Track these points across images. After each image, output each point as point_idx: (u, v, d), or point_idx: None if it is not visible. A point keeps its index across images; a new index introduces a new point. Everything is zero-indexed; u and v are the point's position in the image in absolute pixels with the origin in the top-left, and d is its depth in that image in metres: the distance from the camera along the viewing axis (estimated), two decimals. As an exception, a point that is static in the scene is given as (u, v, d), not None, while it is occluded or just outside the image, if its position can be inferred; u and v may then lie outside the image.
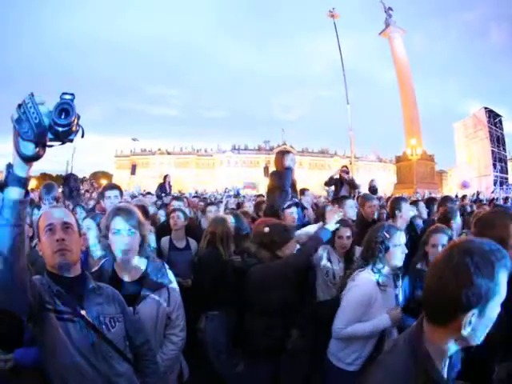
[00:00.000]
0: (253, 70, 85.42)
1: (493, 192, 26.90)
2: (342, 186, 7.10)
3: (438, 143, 42.02)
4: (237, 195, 16.22)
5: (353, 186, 7.15)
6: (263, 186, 24.47)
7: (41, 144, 1.12)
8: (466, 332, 1.06)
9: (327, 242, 3.36)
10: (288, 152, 5.33)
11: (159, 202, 8.90)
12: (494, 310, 1.08)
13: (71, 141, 1.18)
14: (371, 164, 61.17)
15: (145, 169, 49.69)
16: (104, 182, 28.18)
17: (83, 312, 1.68)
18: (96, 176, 48.01)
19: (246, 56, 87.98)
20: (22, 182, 1.19)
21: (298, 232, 3.55)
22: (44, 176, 36.99)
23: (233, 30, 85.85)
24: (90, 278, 1.84)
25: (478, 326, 1.07)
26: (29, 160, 1.15)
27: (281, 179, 4.75)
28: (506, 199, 10.06)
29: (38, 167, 2.21)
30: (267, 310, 2.87)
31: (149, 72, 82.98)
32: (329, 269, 3.47)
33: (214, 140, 63.30)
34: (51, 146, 1.16)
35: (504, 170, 33.94)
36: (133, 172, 34.67)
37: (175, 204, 5.60)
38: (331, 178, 7.42)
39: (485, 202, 11.80)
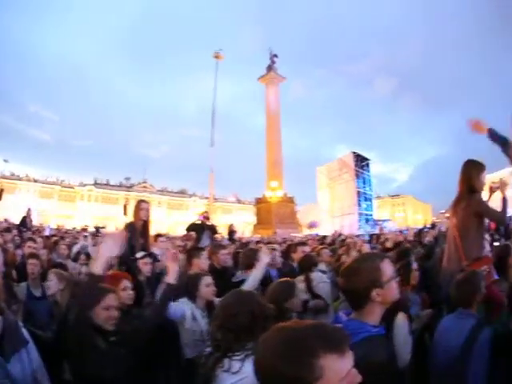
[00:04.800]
0: (129, 103, 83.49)
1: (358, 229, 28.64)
2: (203, 231, 7.30)
3: (304, 185, 44.13)
4: (97, 234, 14.80)
5: (214, 231, 7.54)
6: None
7: None
8: None
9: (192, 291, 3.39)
10: (142, 201, 5.79)
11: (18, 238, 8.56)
12: None
13: None
14: (230, 205, 63.23)
15: (11, 194, 46.48)
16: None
17: None
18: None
19: (125, 87, 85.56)
20: None
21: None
22: None
23: (121, 59, 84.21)
24: None
25: None
26: None
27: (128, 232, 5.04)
28: (377, 236, 9.82)
29: None
30: None
31: (32, 87, 77.54)
32: (196, 328, 3.28)
33: (80, 170, 61.71)
34: None
35: (369, 208, 36.12)
36: (-1, 197, 31.05)
37: (31, 247, 5.55)
38: (193, 224, 7.65)
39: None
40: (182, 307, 3.30)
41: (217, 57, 35.05)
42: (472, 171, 3.60)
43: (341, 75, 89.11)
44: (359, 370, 1.08)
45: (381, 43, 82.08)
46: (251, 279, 3.67)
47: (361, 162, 35.68)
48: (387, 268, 1.85)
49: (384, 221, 37.36)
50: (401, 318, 2.55)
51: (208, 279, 3.47)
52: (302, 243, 6.29)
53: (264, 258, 3.81)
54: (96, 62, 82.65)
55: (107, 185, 59.47)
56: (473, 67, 74.57)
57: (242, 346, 2.06)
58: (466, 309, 2.73)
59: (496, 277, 3.48)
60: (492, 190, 3.83)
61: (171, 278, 2.96)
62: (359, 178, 35.00)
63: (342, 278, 1.91)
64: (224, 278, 4.19)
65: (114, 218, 44.04)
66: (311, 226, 37.44)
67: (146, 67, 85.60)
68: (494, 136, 3.48)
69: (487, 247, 3.94)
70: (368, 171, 36.48)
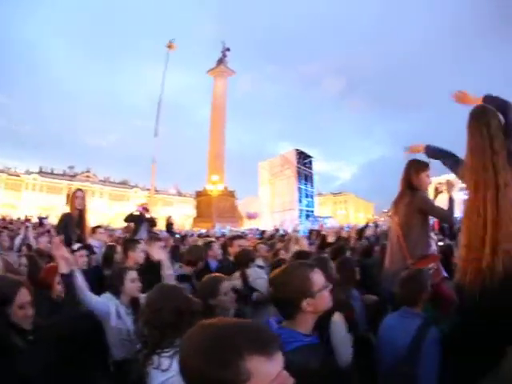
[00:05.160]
0: (80, 90, 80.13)
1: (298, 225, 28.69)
2: (141, 222, 7.14)
3: (246, 180, 44.59)
4: (41, 224, 13.95)
5: (152, 223, 7.41)
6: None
7: None
8: None
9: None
10: (78, 190, 5.85)
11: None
12: None
13: None
14: (171, 198, 62.89)
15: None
16: None
17: None
18: None
19: (76, 73, 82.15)
20: None
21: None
22: None
23: (72, 45, 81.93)
24: None
25: None
26: None
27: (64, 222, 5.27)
28: (317, 231, 9.81)
29: None
30: None
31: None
32: (121, 326, 3.02)
33: (26, 158, 60.45)
34: None
35: (310, 204, 36.80)
36: None
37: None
38: (131, 215, 7.47)
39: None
40: (105, 303, 3.05)
41: (170, 47, 34.69)
42: (411, 169, 3.58)
43: (292, 73, 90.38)
44: (294, 379, 1.04)
45: (335, 44, 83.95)
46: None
47: (303, 159, 36.35)
48: (317, 278, 1.84)
49: (325, 218, 38.07)
50: (337, 318, 2.40)
51: (133, 274, 3.26)
52: (239, 236, 6.15)
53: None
54: (46, 47, 79.43)
55: (52, 173, 57.83)
56: (427, 70, 77.97)
57: (170, 342, 2.04)
58: (412, 307, 2.67)
59: (445, 274, 3.43)
60: (438, 191, 3.86)
61: (62, 267, 2.72)
62: (301, 174, 35.63)
63: (271, 286, 1.89)
64: (159, 272, 3.98)
65: (58, 208, 42.43)
66: (250, 216, 37.85)
67: (99, 54, 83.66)
68: (432, 152, 3.37)
69: (433, 246, 3.88)
70: (310, 168, 37.20)
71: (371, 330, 3.15)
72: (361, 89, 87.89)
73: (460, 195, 2.72)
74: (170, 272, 3.53)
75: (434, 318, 2.74)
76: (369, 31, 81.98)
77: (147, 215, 7.34)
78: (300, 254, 3.97)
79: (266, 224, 30.72)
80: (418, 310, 2.67)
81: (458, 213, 3.75)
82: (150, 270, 3.64)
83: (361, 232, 8.61)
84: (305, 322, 1.80)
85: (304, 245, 6.01)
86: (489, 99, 2.72)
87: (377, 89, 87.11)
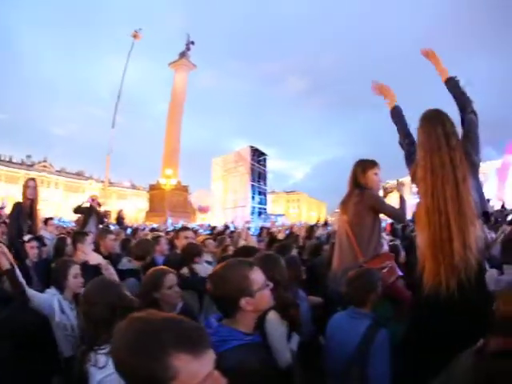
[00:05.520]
0: (42, 78, 76.57)
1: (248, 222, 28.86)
2: (90, 215, 7.10)
3: (200, 175, 44.17)
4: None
5: (101, 215, 7.51)
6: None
7: None
8: None
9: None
10: (30, 179, 5.78)
11: None
12: None
13: None
14: (125, 191, 61.81)
15: None
16: None
17: None
18: None
19: (36, 58, 78.08)
20: None
21: None
22: None
23: (32, 29, 78.53)
24: None
25: None
26: None
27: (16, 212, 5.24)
28: (267, 229, 9.82)
29: None
30: None
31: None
32: (66, 322, 2.95)
33: None
34: None
35: (263, 202, 36.92)
36: None
37: None
38: (79, 207, 7.40)
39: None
40: (48, 298, 2.99)
41: (135, 36, 34.34)
42: (357, 169, 3.58)
43: (255, 71, 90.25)
44: (231, 378, 1.07)
45: (299, 44, 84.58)
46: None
47: (258, 156, 36.27)
48: (257, 276, 1.80)
49: (277, 215, 38.37)
50: (271, 316, 2.34)
51: (76, 269, 3.20)
52: (185, 228, 6.00)
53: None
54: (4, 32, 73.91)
55: (10, 162, 56.21)
56: (388, 72, 79.90)
57: (106, 339, 1.97)
58: (360, 307, 2.63)
59: (400, 273, 3.39)
60: (387, 191, 3.84)
61: (4, 263, 2.79)
62: (254, 172, 35.54)
63: (210, 284, 1.82)
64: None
65: (15, 199, 40.68)
66: (201, 210, 37.62)
67: (61, 40, 79.27)
68: (396, 114, 3.13)
69: (385, 246, 3.90)
70: (265, 166, 37.19)
71: (318, 330, 3.13)
72: (321, 90, 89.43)
73: (411, 199, 2.71)
74: (110, 271, 3.40)
75: (390, 318, 2.75)
76: (333, 34, 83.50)
77: (97, 208, 7.28)
78: (244, 250, 3.89)
79: (218, 220, 30.60)
80: (367, 310, 2.63)
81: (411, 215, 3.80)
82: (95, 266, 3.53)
83: (310, 230, 8.57)
84: (245, 320, 1.77)
85: (252, 241, 5.97)
86: (453, 82, 2.72)
87: (337, 90, 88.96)
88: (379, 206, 3.51)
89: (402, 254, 4.58)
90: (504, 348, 1.42)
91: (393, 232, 7.85)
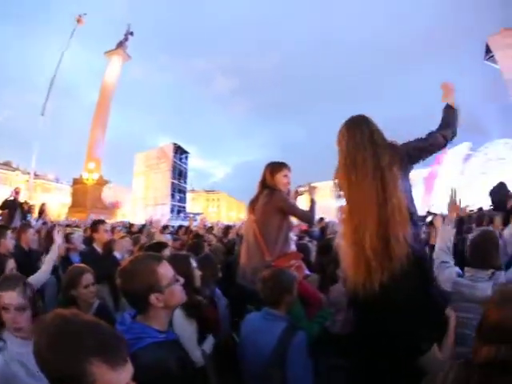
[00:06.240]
0: None
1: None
2: (16, 209, 7.07)
3: (123, 170, 42.64)
4: None
5: (24, 209, 7.45)
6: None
7: None
8: None
9: None
10: None
11: None
12: None
13: None
14: (50, 184, 58.23)
15: None
16: None
17: None
18: None
19: None
20: None
21: None
22: None
23: None
24: None
25: None
26: None
27: None
28: (186, 228, 9.82)
29: None
30: None
31: None
32: None
33: None
34: None
35: (183, 200, 36.88)
36: None
37: None
38: (5, 201, 7.36)
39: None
40: None
41: (78, 21, 33.25)
42: (266, 171, 3.64)
43: (186, 67, 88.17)
44: (147, 376, 1.09)
45: (232, 44, 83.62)
46: (46, 261, 3.59)
47: (180, 154, 36.24)
48: (165, 271, 1.76)
49: (196, 214, 38.28)
50: (177, 318, 2.35)
51: (11, 264, 3.19)
52: (102, 221, 5.70)
53: (57, 239, 3.75)
54: None
55: None
56: (318, 75, 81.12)
57: None
58: (274, 309, 2.59)
59: (307, 272, 3.48)
60: (298, 193, 3.91)
61: None
62: (176, 169, 35.45)
63: (120, 279, 1.75)
64: (30, 261, 4.09)
65: None
66: (113, 206, 36.41)
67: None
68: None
69: (293, 245, 3.99)
70: (186, 164, 37.23)
71: (234, 329, 3.11)
72: (248, 92, 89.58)
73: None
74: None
75: (301, 317, 2.75)
76: (266, 38, 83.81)
77: (20, 201, 7.31)
78: (155, 246, 3.75)
79: (140, 217, 29.81)
80: (282, 311, 2.60)
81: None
82: (23, 258, 3.73)
83: (227, 230, 8.68)
84: (158, 317, 1.74)
85: (162, 237, 5.95)
86: (452, 111, 2.57)
87: (264, 94, 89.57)
88: (287, 208, 3.55)
89: (313, 253, 4.56)
90: (496, 358, 1.39)
91: (309, 233, 7.80)
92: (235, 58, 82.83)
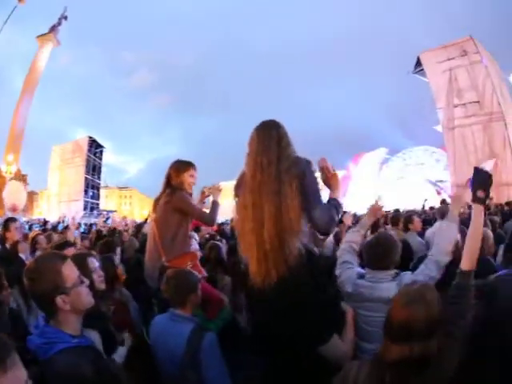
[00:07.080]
0: None
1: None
2: None
3: (38, 163, 40.77)
4: None
5: None
6: None
7: None
8: None
9: None
10: None
11: None
12: None
13: None
14: None
15: None
16: None
17: None
18: None
19: None
20: None
21: None
22: None
23: None
24: None
25: None
26: None
27: None
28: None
29: None
30: None
31: None
32: None
33: None
34: None
35: (96, 197, 35.78)
36: None
37: None
38: None
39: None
40: None
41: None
42: (171, 169, 3.62)
43: (112, 59, 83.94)
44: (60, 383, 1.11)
45: (159, 39, 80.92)
46: None
47: (95, 148, 35.04)
48: (70, 271, 1.67)
49: (109, 212, 37.29)
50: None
51: None
52: (13, 219, 5.22)
53: None
54: None
55: None
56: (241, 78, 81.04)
57: None
58: (180, 309, 2.59)
59: (205, 274, 3.52)
60: (204, 194, 3.91)
61: None
62: (90, 164, 34.32)
63: (26, 280, 1.65)
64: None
65: None
66: (12, 208, 34.31)
67: None
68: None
69: (195, 245, 4.07)
70: (100, 159, 36.05)
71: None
72: (166, 88, 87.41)
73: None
74: None
75: (198, 316, 2.77)
76: (193, 34, 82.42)
77: None
78: (60, 245, 3.52)
79: (54, 215, 28.51)
80: (188, 312, 2.60)
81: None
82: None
83: (139, 227, 8.47)
84: (68, 321, 1.65)
85: (72, 236, 5.79)
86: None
87: (182, 90, 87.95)
88: (187, 208, 3.52)
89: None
90: (411, 357, 1.44)
91: (221, 232, 7.84)
92: (160, 53, 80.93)
